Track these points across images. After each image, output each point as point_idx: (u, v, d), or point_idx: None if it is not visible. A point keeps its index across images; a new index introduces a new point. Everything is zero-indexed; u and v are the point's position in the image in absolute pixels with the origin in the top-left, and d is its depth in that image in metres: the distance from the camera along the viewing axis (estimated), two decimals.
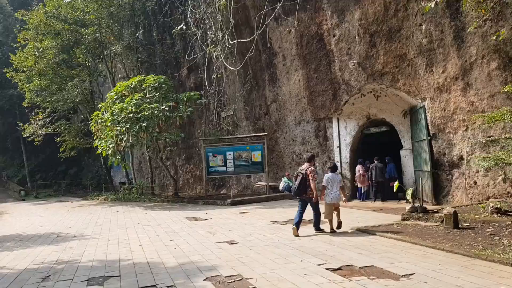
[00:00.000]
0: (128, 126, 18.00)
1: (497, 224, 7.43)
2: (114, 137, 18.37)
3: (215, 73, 20.49)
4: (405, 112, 15.54)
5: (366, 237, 8.16)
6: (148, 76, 20.17)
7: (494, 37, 9.09)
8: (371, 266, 5.87)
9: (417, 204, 9.44)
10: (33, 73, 27.69)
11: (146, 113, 18.08)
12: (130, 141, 17.94)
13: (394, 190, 9.86)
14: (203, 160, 19.67)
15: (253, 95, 20.99)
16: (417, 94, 13.87)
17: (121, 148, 18.47)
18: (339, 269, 5.86)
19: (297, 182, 9.06)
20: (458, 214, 7.95)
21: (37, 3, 31.26)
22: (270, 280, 5.53)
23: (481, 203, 10.30)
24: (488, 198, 11.79)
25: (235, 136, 21.15)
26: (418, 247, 6.80)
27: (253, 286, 5.34)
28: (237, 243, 8.45)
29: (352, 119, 16.96)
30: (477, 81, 11.70)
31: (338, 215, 9.17)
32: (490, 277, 4.93)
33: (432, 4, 7.85)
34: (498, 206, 7.92)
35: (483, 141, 11.74)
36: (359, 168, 15.94)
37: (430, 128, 13.61)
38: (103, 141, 19.57)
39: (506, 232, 6.95)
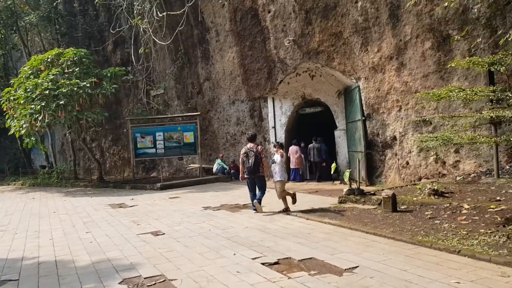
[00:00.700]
0: (43, 104, 16.13)
1: (435, 207, 7.24)
2: (28, 116, 16.40)
3: (142, 47, 18.99)
4: (339, 92, 15.33)
5: (303, 223, 7.66)
6: (67, 49, 18.21)
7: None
8: (311, 258, 5.33)
9: (354, 186, 9.13)
10: None
11: (65, 90, 16.30)
12: (46, 120, 16.11)
13: (332, 172, 9.47)
14: (131, 142, 18.28)
15: (185, 72, 19.82)
16: (352, 73, 13.63)
17: (36, 129, 16.55)
18: (276, 263, 5.24)
19: (251, 161, 8.96)
20: (396, 196, 7.68)
21: None
22: (198, 281, 4.78)
23: (416, 184, 10.27)
24: (420, 178, 11.89)
25: (165, 116, 19.92)
26: (359, 234, 6.39)
27: None
28: (164, 234, 7.59)
29: (288, 99, 16.51)
30: (411, 61, 11.61)
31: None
32: (439, 269, 4.55)
33: None
34: (435, 187, 7.76)
35: (416, 122, 11.76)
36: (296, 149, 15.54)
37: (364, 109, 13.47)
38: (15, 120, 17.50)
39: (445, 216, 6.76)
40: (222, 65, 17.82)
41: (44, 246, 7.40)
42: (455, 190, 8.25)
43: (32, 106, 16.34)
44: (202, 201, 11.71)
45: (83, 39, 24.08)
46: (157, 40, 18.35)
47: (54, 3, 22.66)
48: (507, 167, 9.80)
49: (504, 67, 7.36)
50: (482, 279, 4.21)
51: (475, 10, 9.94)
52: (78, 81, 16.76)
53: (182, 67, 19.68)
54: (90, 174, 22.12)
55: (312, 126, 17.68)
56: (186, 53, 19.35)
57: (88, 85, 16.79)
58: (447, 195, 7.86)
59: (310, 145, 15.62)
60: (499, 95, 7.00)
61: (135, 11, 18.60)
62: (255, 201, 9.17)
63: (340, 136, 15.54)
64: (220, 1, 16.59)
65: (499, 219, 6.10)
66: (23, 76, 18.21)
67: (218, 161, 18.17)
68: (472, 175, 10.35)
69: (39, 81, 16.74)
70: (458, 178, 10.46)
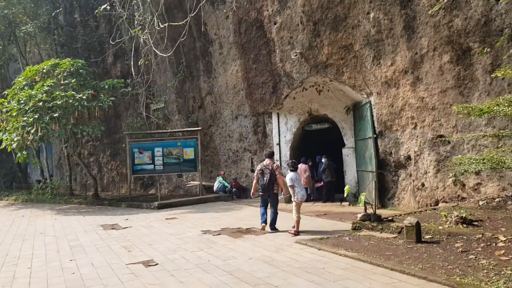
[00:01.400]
0: (36, 116, 15.34)
1: (465, 238, 6.35)
2: (19, 129, 15.60)
3: (142, 59, 18.30)
4: (348, 108, 14.55)
5: (315, 254, 6.75)
6: (64, 60, 17.51)
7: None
8: None
9: (369, 211, 8.24)
10: None
11: (59, 102, 15.53)
12: (39, 134, 15.29)
13: (345, 195, 8.60)
14: (128, 157, 17.43)
15: (187, 86, 19.09)
16: (363, 88, 12.85)
17: (28, 142, 15.73)
18: None
19: (266, 179, 9.11)
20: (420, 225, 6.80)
21: None
22: None
23: (435, 209, 9.41)
24: (437, 201, 11.00)
25: (165, 131, 19.11)
26: (382, 271, 5.48)
27: None
28: (156, 264, 6.68)
29: (293, 114, 15.71)
30: (428, 75, 10.82)
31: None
32: None
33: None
34: (463, 215, 6.87)
35: (433, 141, 10.93)
36: (305, 168, 14.62)
37: (376, 126, 12.65)
38: (7, 133, 16.70)
39: (479, 249, 5.87)
40: (225, 79, 17.09)
41: (19, 277, 6.50)
42: (483, 218, 7.37)
43: (25, 118, 15.56)
44: (201, 224, 10.80)
45: (83, 50, 23.45)
46: (158, 52, 17.65)
47: (53, 13, 22.07)
48: None
49: None
50: None
51: (498, 21, 9.20)
52: (74, 93, 16.00)
53: (184, 80, 18.97)
54: (85, 190, 21.21)
55: (318, 143, 16.85)
56: (188, 66, 18.66)
57: (85, 97, 16.03)
58: (476, 223, 6.98)
59: (325, 162, 14.66)
60: None
61: (135, 22, 17.95)
62: (263, 224, 9.27)
63: (348, 155, 14.68)
64: (225, 12, 15.94)
65: None
66: (17, 87, 17.49)
67: (219, 178, 17.29)
68: (497, 199, 9.45)
69: (33, 92, 16.00)
70: (481, 203, 9.57)
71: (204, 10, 16.65)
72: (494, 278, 4.79)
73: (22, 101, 15.94)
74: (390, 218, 8.11)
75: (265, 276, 5.61)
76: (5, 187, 30.85)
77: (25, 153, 16.75)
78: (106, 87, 17.16)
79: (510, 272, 4.95)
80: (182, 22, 16.27)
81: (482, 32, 9.49)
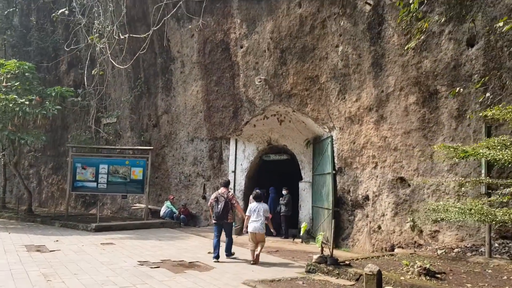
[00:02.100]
0: None
1: None
2: None
3: (96, 69, 17.20)
4: (308, 141, 14.11)
5: None
6: (9, 61, 16.10)
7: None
8: None
9: (326, 253, 7.56)
10: None
11: None
12: None
13: (302, 233, 7.93)
14: (69, 172, 15.99)
15: (143, 102, 18.08)
16: (325, 122, 12.45)
17: None
18: None
19: (220, 207, 9.05)
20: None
21: None
22: None
23: (392, 255, 8.91)
24: (392, 246, 10.53)
25: (114, 147, 17.84)
26: None
27: None
28: None
29: (252, 142, 15.07)
30: (393, 114, 10.55)
31: (260, 248, 8.72)
32: None
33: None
34: (427, 266, 6.33)
35: (393, 182, 10.57)
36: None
37: (336, 162, 12.20)
38: None
39: None
40: (184, 99, 16.28)
41: None
42: (445, 270, 6.88)
43: None
44: (140, 253, 9.70)
45: (35, 54, 21.95)
46: (115, 64, 16.65)
47: (6, 12, 20.61)
48: (496, 244, 8.61)
49: None
50: None
51: (468, 66, 9.09)
52: (16, 97, 14.62)
53: (140, 96, 17.98)
54: (18, 204, 19.35)
55: (274, 174, 16.24)
56: (146, 81, 17.73)
57: (27, 102, 14.66)
58: (439, 275, 6.45)
59: (286, 194, 14.00)
60: None
61: (94, 30, 16.93)
62: (214, 260, 8.85)
63: (305, 189, 14.13)
64: (190, 30, 15.31)
65: None
66: None
67: (167, 203, 16.18)
68: (456, 249, 9.09)
69: None
70: (439, 252, 9.18)
71: (168, 26, 15.94)
72: None
73: None
74: (347, 262, 7.46)
75: None
76: None
77: None
78: (53, 94, 15.82)
79: None
80: (145, 35, 15.47)
81: (450, 76, 9.35)
